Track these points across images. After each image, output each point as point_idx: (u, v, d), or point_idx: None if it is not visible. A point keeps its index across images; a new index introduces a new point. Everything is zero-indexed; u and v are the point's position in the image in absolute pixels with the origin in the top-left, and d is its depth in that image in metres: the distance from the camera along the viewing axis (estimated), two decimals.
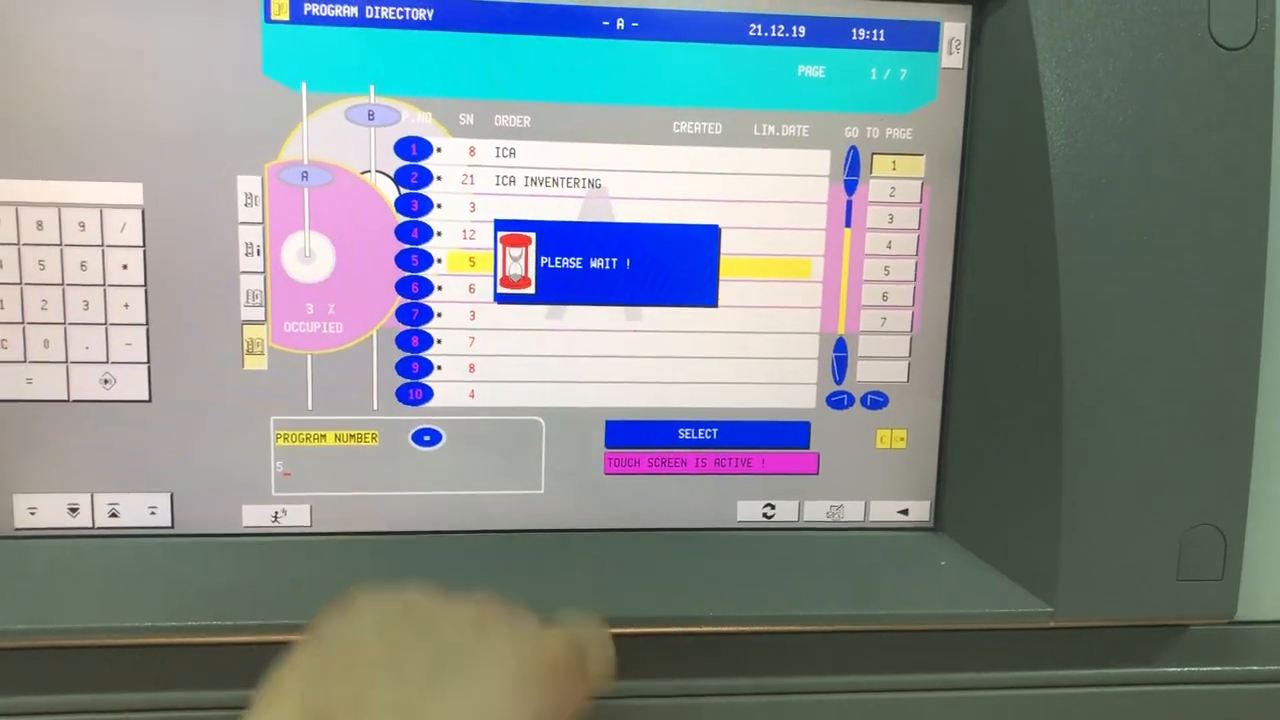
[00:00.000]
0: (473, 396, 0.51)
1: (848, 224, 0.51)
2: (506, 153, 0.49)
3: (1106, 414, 0.48)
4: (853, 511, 0.54)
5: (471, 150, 0.49)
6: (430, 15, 0.48)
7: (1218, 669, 0.54)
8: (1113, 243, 0.48)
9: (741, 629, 0.50)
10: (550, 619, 0.39)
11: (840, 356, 0.52)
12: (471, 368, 0.50)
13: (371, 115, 0.48)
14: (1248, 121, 0.48)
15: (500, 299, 0.50)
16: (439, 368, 0.50)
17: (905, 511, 0.54)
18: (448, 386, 0.51)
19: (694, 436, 0.53)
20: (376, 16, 0.47)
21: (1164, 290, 0.48)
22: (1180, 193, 0.48)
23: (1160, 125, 0.48)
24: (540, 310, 0.50)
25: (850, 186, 0.51)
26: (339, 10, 0.47)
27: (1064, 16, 0.47)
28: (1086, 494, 0.49)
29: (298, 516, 0.51)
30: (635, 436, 0.52)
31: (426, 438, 0.51)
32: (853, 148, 0.51)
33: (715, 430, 0.53)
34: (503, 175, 0.49)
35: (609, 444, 0.52)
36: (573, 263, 0.50)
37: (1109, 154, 0.47)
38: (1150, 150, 0.48)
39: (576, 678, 0.37)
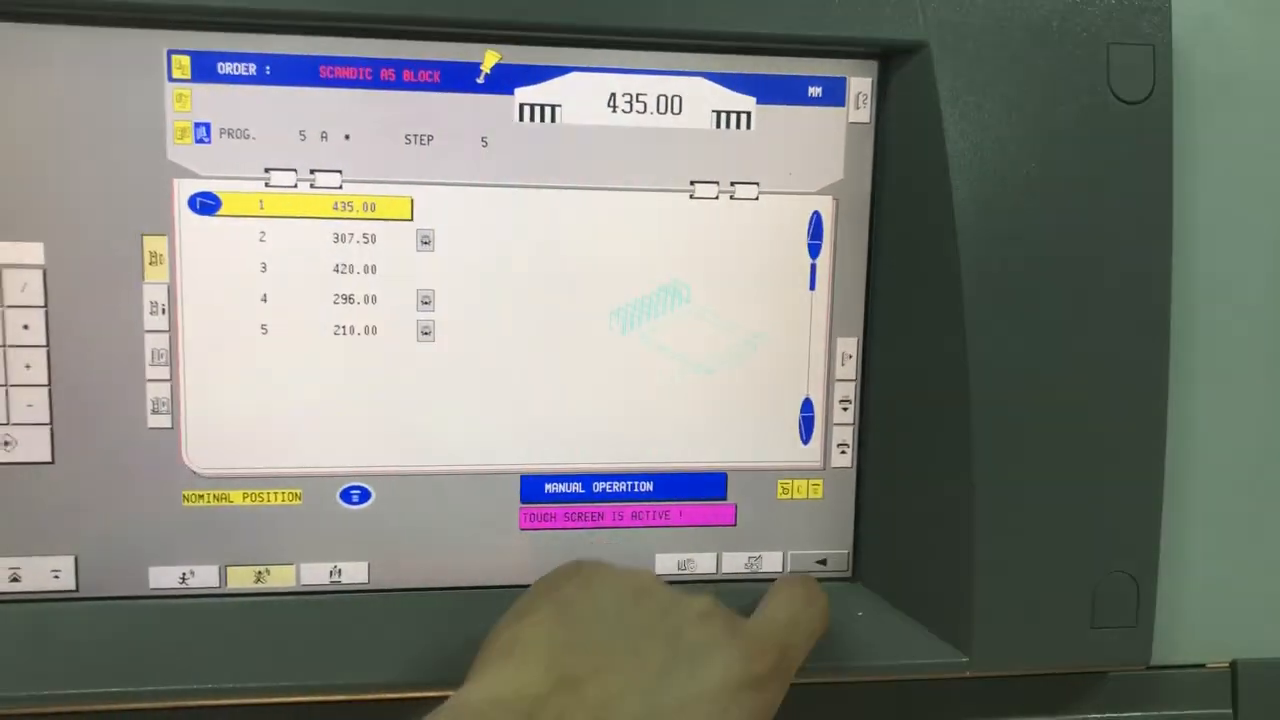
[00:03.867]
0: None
1: None
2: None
3: (1016, 464, 0.49)
4: (771, 562, 0.54)
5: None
6: None
7: (1135, 714, 0.55)
8: (1018, 294, 0.48)
9: None
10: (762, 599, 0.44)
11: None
12: None
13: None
14: (1147, 172, 0.49)
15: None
16: None
17: (824, 562, 0.54)
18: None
19: (611, 489, 0.52)
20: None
21: (1070, 340, 0.49)
22: (1083, 243, 0.49)
23: (1063, 177, 0.48)
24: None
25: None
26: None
27: (967, 72, 0.48)
28: (998, 544, 0.49)
29: (206, 577, 0.50)
30: (551, 491, 0.52)
31: (355, 495, 0.51)
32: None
33: (632, 482, 0.52)
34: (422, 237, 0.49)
35: (524, 499, 0.52)
36: None
37: (1012, 206, 0.48)
38: (1053, 201, 0.48)
39: (783, 679, 0.40)
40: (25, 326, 0.47)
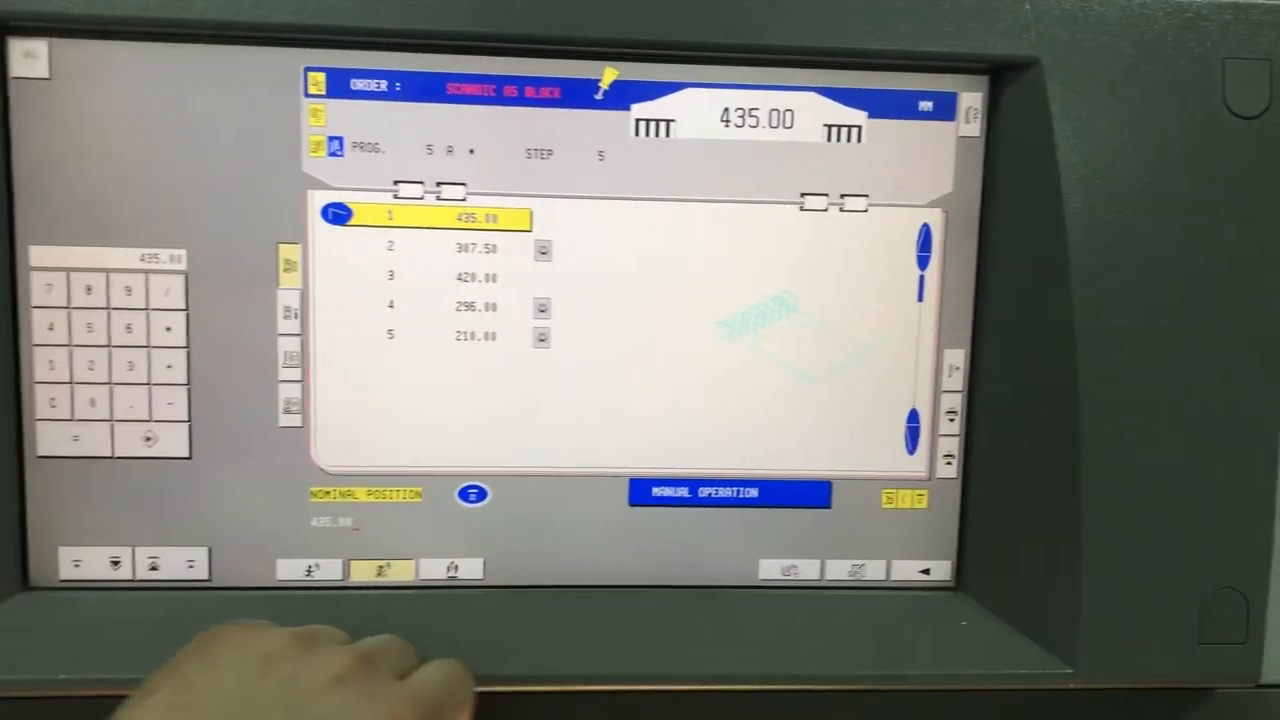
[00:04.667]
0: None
1: None
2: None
3: (1126, 477, 0.49)
4: (874, 571, 0.55)
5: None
6: None
7: None
8: (1129, 308, 0.48)
9: (761, 688, 0.50)
10: (413, 670, 0.42)
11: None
12: None
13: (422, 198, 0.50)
14: (1263, 187, 0.49)
15: None
16: None
17: (927, 571, 0.55)
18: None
19: (716, 495, 0.53)
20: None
21: (1182, 356, 0.49)
22: (1196, 259, 0.48)
23: (1176, 193, 0.48)
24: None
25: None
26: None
27: (1079, 87, 0.48)
28: (1107, 556, 0.49)
29: (330, 570, 0.52)
30: (659, 495, 0.53)
31: (473, 494, 0.52)
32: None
33: (737, 488, 0.54)
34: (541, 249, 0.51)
35: (633, 501, 0.53)
36: None
37: (1125, 221, 0.48)
38: (1166, 217, 0.48)
39: None
40: (168, 329, 0.50)
